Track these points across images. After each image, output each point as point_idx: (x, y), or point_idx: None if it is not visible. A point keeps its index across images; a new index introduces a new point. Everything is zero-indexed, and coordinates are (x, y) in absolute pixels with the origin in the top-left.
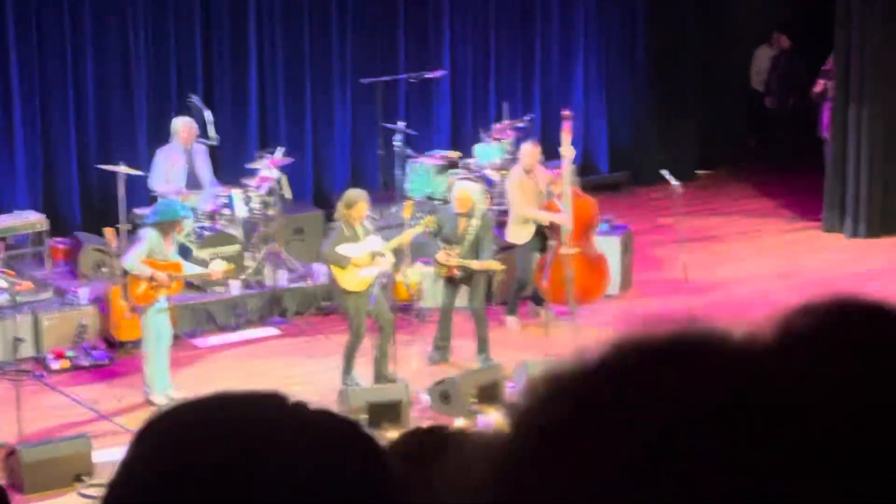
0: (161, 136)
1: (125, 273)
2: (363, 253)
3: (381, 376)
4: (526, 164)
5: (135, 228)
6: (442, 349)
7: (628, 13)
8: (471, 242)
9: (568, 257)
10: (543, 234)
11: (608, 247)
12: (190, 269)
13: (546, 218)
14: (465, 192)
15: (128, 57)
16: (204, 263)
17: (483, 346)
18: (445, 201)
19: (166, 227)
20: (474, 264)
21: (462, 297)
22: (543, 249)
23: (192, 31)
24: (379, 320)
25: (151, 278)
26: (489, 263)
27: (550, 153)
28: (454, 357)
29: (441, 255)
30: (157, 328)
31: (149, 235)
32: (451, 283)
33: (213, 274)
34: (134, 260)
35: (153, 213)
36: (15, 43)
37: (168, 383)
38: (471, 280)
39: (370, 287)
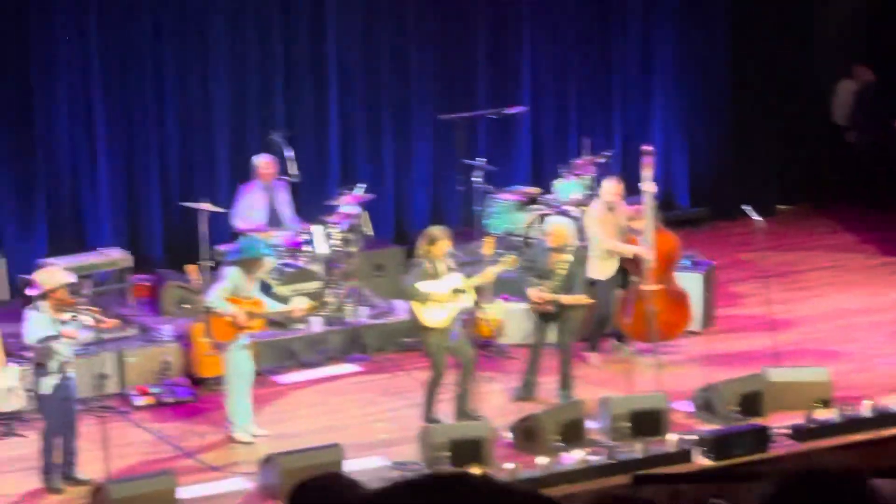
0: (242, 173)
1: (208, 310)
2: (444, 290)
3: (462, 413)
4: (608, 200)
5: (217, 265)
6: (529, 386)
7: (709, 48)
8: (563, 277)
9: (650, 293)
10: (625, 271)
11: (690, 283)
12: (272, 307)
13: (629, 250)
14: (558, 227)
15: (209, 96)
16: (285, 300)
17: (567, 383)
18: (526, 237)
19: (248, 264)
20: (564, 299)
21: (551, 333)
22: (625, 286)
23: (273, 70)
24: (460, 357)
25: (233, 315)
26: (579, 298)
27: (630, 189)
28: (537, 394)
29: (533, 291)
30: (239, 365)
31: (231, 273)
32: (542, 318)
33: (294, 311)
34: (216, 297)
35: (236, 251)
36: (101, 83)
37: (250, 420)
38: (561, 315)
39: (451, 324)
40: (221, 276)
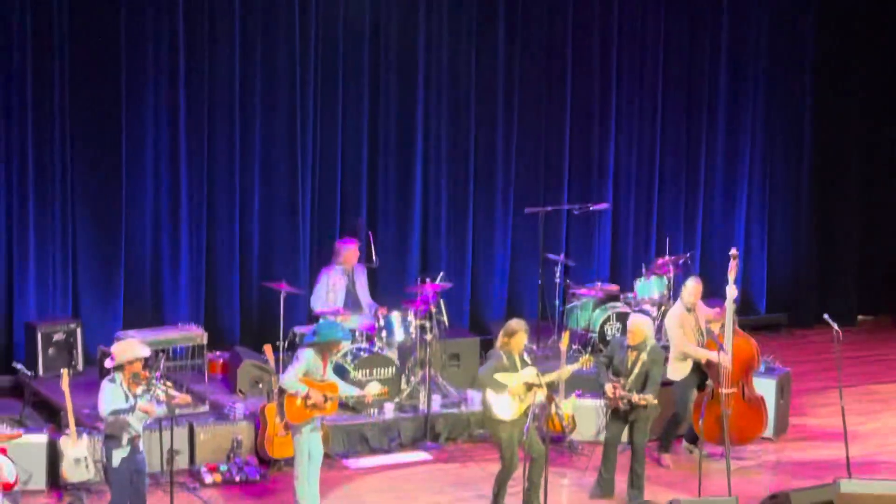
0: (323, 256)
1: (282, 391)
2: (519, 382)
3: None
4: (688, 301)
5: (293, 347)
6: (605, 483)
7: (793, 152)
8: (638, 375)
9: (726, 396)
10: (703, 372)
11: (765, 388)
12: (345, 390)
13: (706, 355)
14: (638, 324)
15: (294, 177)
16: (360, 385)
17: (636, 482)
18: (602, 335)
19: (325, 347)
20: (635, 397)
21: (625, 430)
22: (702, 387)
23: (359, 155)
24: (530, 451)
25: (307, 397)
26: (648, 398)
27: (709, 290)
28: (612, 491)
29: (609, 387)
30: (310, 447)
31: (307, 355)
32: (616, 415)
33: (368, 396)
34: (291, 378)
35: (313, 333)
36: (186, 155)
37: (318, 503)
38: (634, 413)
39: (523, 417)
40: (297, 358)
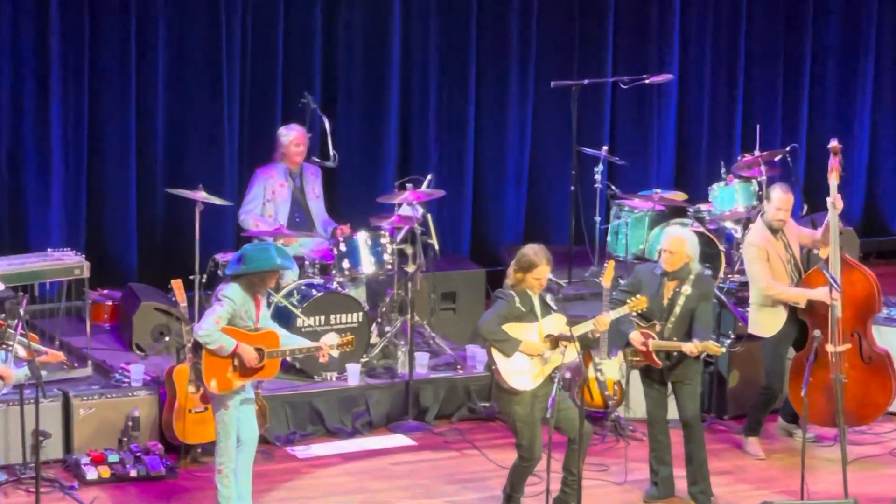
0: (258, 152)
1: (197, 346)
2: (540, 336)
3: None
4: (773, 220)
5: (214, 282)
6: (662, 481)
7: None
8: (680, 316)
9: (837, 356)
10: (801, 323)
11: (893, 341)
12: (290, 343)
13: (803, 297)
14: (676, 242)
15: (215, 32)
16: (312, 336)
17: (698, 473)
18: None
19: (256, 281)
20: (686, 347)
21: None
22: (802, 344)
23: (312, 8)
24: (565, 432)
25: (234, 354)
26: (707, 345)
27: (815, 203)
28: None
29: (636, 336)
30: (239, 428)
31: (232, 293)
32: (652, 379)
33: (323, 351)
34: (211, 327)
35: (238, 261)
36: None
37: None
38: (677, 374)
39: (547, 385)
40: (217, 298)
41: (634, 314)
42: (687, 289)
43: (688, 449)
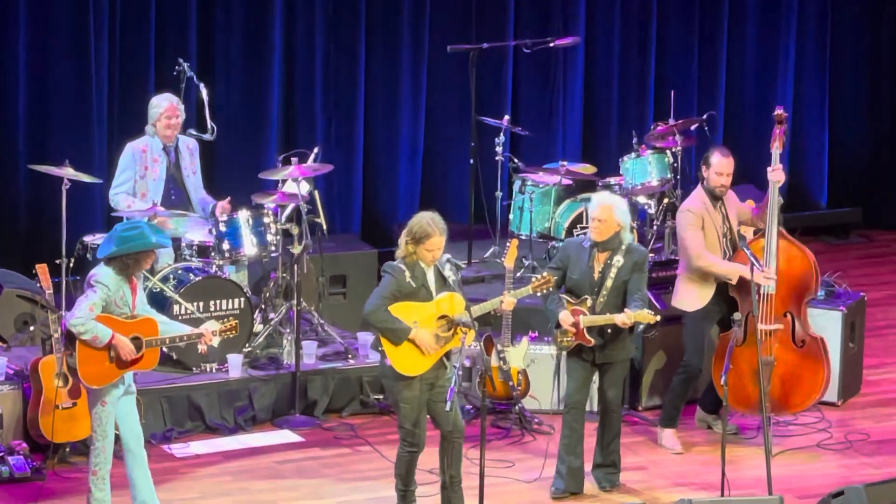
0: (129, 123)
1: (70, 337)
2: (433, 315)
3: None
4: (716, 186)
5: (83, 266)
6: (571, 473)
7: None
8: (613, 289)
9: (766, 337)
10: (729, 300)
11: (827, 324)
12: (170, 330)
13: (735, 272)
14: (605, 208)
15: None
16: (192, 323)
17: (608, 457)
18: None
19: (131, 263)
20: (618, 318)
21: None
22: (726, 324)
23: None
24: (440, 425)
25: (110, 346)
26: (640, 314)
27: (737, 175)
28: (590, 484)
29: (565, 316)
30: (119, 425)
31: (104, 277)
32: (581, 361)
33: (204, 339)
34: (84, 315)
35: (111, 241)
36: None
37: None
38: (604, 355)
39: (439, 370)
40: (89, 284)
41: (563, 291)
42: (619, 260)
43: (603, 434)
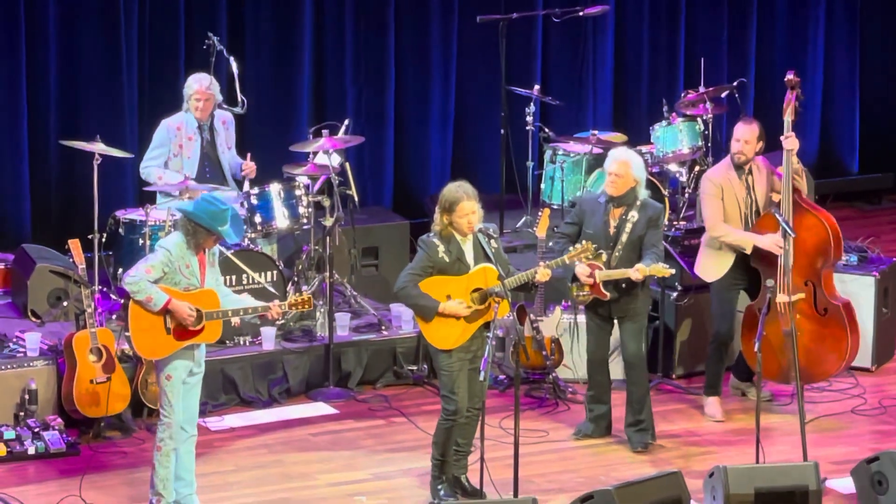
0: (160, 97)
1: (127, 297)
2: (467, 289)
3: (457, 484)
4: (733, 153)
5: (115, 241)
6: (596, 418)
7: None
8: (628, 244)
9: (790, 307)
10: (754, 270)
11: (858, 291)
12: (233, 303)
13: (748, 242)
14: (621, 163)
15: None
16: (260, 295)
17: (639, 415)
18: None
19: (191, 230)
20: (631, 272)
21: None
22: (756, 293)
23: None
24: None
25: (166, 311)
26: (654, 268)
27: (769, 142)
28: (618, 431)
29: (582, 270)
30: (183, 396)
31: (170, 243)
32: (598, 316)
33: (272, 311)
34: (141, 276)
35: (194, 202)
36: None
37: (192, 490)
38: (623, 308)
39: (478, 340)
40: (155, 248)
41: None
42: (634, 215)
43: (630, 390)
